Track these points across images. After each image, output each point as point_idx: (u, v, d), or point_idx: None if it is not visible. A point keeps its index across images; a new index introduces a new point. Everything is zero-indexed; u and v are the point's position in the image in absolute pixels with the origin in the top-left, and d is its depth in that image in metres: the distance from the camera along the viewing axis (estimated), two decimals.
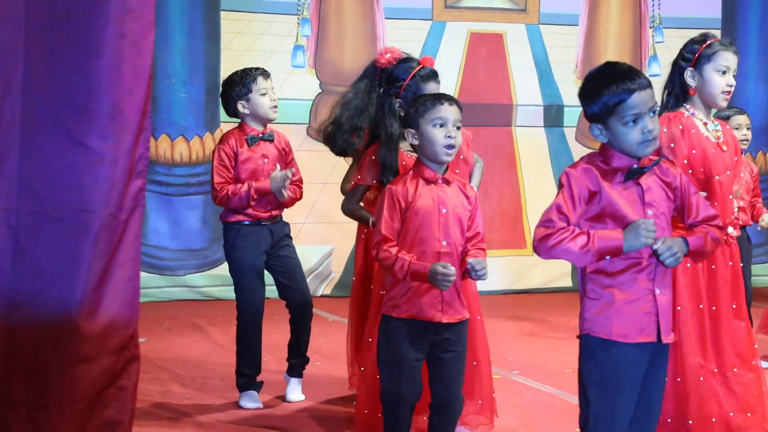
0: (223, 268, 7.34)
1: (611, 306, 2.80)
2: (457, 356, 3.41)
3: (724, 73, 3.62)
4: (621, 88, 2.79)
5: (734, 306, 3.64)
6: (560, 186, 2.85)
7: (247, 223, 4.52)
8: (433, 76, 4.01)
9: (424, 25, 7.69)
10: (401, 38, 7.49)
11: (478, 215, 3.45)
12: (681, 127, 3.59)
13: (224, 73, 7.22)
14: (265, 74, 4.57)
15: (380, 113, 4.02)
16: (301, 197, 4.68)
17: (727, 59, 3.63)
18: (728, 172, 3.61)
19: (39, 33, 2.50)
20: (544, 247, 2.79)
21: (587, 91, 2.88)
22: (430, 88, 3.95)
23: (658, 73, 7.99)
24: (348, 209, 4.16)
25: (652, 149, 2.83)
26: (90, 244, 2.59)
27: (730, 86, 3.63)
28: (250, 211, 4.50)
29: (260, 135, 4.55)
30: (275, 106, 4.56)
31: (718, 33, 8.25)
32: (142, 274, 7.10)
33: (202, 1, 7.24)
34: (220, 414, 4.48)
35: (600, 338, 2.82)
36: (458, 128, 3.39)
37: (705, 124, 3.64)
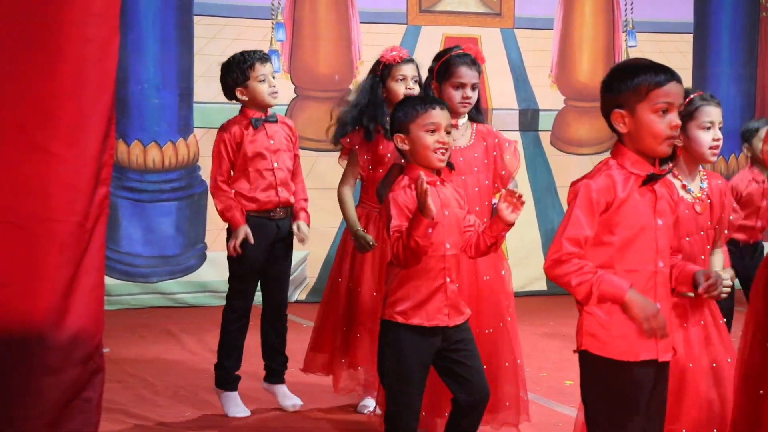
0: (198, 275, 7.36)
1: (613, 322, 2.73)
2: (473, 354, 3.38)
3: (709, 128, 3.50)
4: (662, 74, 2.74)
5: (714, 365, 3.50)
6: (577, 197, 2.76)
7: (254, 214, 4.47)
8: (467, 60, 3.92)
9: (399, 29, 7.68)
10: (376, 42, 7.47)
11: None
12: None
13: (197, 78, 7.24)
14: (263, 59, 4.48)
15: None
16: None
17: (710, 113, 3.50)
18: (702, 233, 3.52)
19: (4, 37, 2.45)
20: (552, 274, 2.75)
21: (625, 75, 2.78)
22: (462, 71, 3.89)
23: None
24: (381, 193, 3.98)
25: (671, 150, 2.77)
26: (55, 253, 2.55)
27: (717, 140, 3.50)
28: (257, 198, 4.45)
29: (264, 117, 4.50)
30: (275, 92, 4.50)
31: (690, 37, 8.31)
32: (115, 282, 7.08)
33: (175, 6, 7.20)
34: (193, 422, 4.45)
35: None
36: (449, 133, 3.36)
37: (684, 186, 3.53)
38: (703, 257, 3.53)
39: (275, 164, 4.48)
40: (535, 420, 4.32)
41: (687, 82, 8.31)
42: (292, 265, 7.38)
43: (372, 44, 7.47)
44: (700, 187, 3.58)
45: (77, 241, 2.53)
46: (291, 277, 7.46)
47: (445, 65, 3.90)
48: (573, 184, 2.81)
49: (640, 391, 2.75)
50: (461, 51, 3.98)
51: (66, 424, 2.51)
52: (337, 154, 4.65)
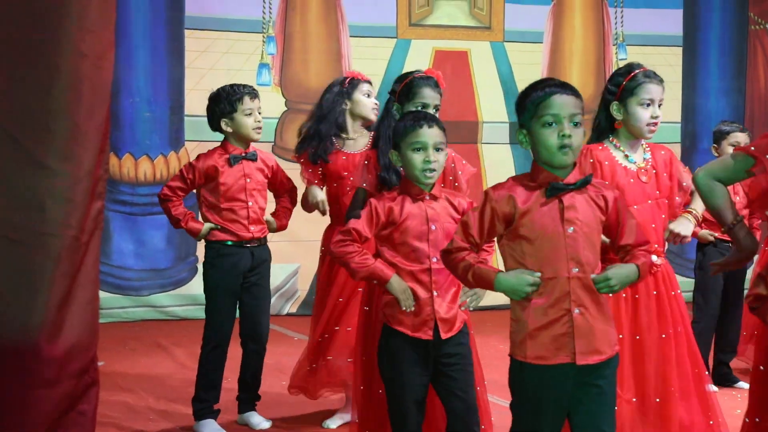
0: (189, 288, 7.35)
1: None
2: (464, 368, 3.39)
3: (648, 105, 3.61)
4: (546, 87, 2.85)
5: (663, 336, 3.61)
6: (480, 203, 2.89)
7: (230, 243, 4.47)
8: (429, 82, 3.94)
9: (389, 43, 7.71)
10: (366, 56, 7.51)
11: None
12: (592, 160, 3.63)
13: (188, 92, 7.26)
14: (252, 94, 4.51)
15: (381, 118, 4.04)
16: (283, 224, 4.77)
17: (651, 91, 3.61)
18: (649, 201, 3.62)
19: None
20: (444, 263, 2.98)
21: (520, 97, 2.93)
22: (426, 93, 3.89)
23: None
24: (348, 216, 3.94)
25: (570, 158, 2.82)
26: (52, 266, 2.56)
27: (655, 118, 3.63)
28: (234, 230, 4.46)
29: (243, 154, 4.51)
30: (259, 127, 4.52)
31: (679, 50, 8.36)
32: (106, 295, 7.06)
33: (166, 19, 7.21)
34: None
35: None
36: (439, 150, 3.37)
37: (626, 156, 3.65)
38: (654, 225, 3.63)
39: (249, 203, 4.50)
40: None
41: (676, 94, 8.40)
42: (283, 278, 7.45)
43: (362, 58, 7.50)
44: (644, 158, 3.68)
45: (73, 255, 2.54)
46: (282, 290, 7.52)
47: (408, 87, 3.93)
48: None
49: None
50: (423, 73, 4.03)
51: None
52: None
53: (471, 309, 3.55)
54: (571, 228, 2.82)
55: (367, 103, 4.63)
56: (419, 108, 3.79)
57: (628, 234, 2.93)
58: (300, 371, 4.67)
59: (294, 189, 4.75)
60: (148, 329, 6.94)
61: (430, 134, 3.36)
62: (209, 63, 7.24)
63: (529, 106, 2.85)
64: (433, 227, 3.36)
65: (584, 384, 2.84)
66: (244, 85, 4.54)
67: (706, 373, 3.79)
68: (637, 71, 3.65)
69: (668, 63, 8.28)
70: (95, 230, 2.57)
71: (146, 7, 7.13)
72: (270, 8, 7.43)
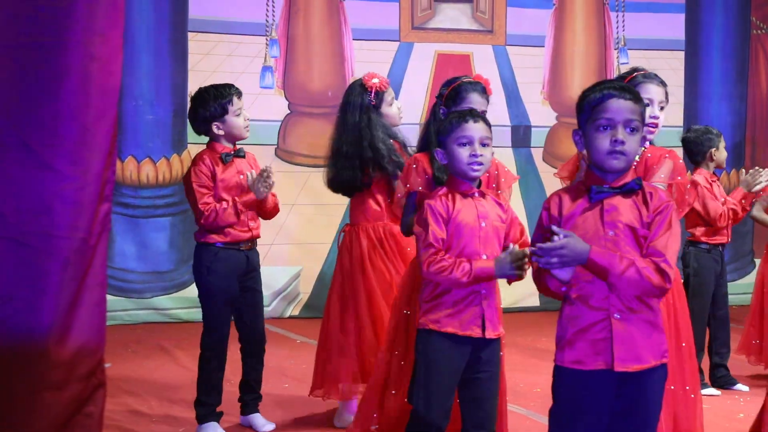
0: (191, 290, 7.32)
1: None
2: (492, 377, 3.38)
3: (647, 105, 3.55)
4: (604, 90, 2.80)
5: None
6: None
7: (223, 245, 4.43)
8: (477, 87, 3.93)
9: (392, 46, 7.72)
10: (369, 59, 7.52)
11: (516, 220, 3.49)
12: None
13: (191, 94, 7.23)
14: (239, 93, 4.49)
15: (428, 121, 4.01)
16: (277, 208, 4.65)
17: (649, 91, 3.59)
18: None
19: (7, 56, 2.47)
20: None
21: (579, 97, 2.88)
22: (473, 98, 3.88)
23: None
24: (407, 222, 3.89)
25: (621, 164, 2.78)
26: (60, 269, 2.56)
27: (654, 118, 3.60)
28: (230, 231, 4.43)
29: (233, 152, 4.51)
30: (248, 126, 4.52)
31: (681, 55, 8.38)
32: (109, 297, 7.04)
33: (169, 22, 7.22)
34: None
35: None
36: (485, 145, 3.38)
37: None
38: None
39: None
40: None
41: (678, 98, 8.41)
42: (285, 281, 7.46)
43: (365, 61, 7.51)
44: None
45: (82, 258, 2.55)
46: (284, 293, 7.52)
47: (456, 91, 3.93)
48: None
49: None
50: (472, 79, 4.02)
51: None
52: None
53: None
54: (612, 231, 2.77)
55: (392, 112, 4.64)
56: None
57: (653, 243, 2.78)
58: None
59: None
60: (151, 332, 6.94)
61: (476, 128, 3.37)
62: (212, 66, 7.25)
63: (585, 107, 2.81)
64: (483, 224, 3.35)
65: (623, 396, 2.76)
66: (229, 86, 4.51)
67: (703, 384, 3.71)
68: (637, 73, 3.65)
69: (670, 67, 8.29)
70: (103, 233, 2.58)
71: (149, 10, 7.14)
72: (273, 11, 7.44)
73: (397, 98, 4.85)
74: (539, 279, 2.84)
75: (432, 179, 3.74)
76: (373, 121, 4.54)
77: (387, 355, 3.85)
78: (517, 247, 3.31)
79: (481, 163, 3.36)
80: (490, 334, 3.34)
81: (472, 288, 3.31)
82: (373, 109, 4.57)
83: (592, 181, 2.82)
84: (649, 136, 3.63)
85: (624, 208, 2.79)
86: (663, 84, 3.68)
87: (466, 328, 3.32)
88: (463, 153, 3.35)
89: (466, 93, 3.87)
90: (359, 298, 4.50)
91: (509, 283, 3.35)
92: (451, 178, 3.44)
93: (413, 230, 3.47)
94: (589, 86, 2.88)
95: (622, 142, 2.74)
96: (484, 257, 3.31)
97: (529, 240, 3.07)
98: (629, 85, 2.93)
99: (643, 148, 3.67)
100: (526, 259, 3.21)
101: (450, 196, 3.37)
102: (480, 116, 3.44)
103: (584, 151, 2.88)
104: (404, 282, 3.92)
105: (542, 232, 2.83)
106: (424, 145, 3.91)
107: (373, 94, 4.58)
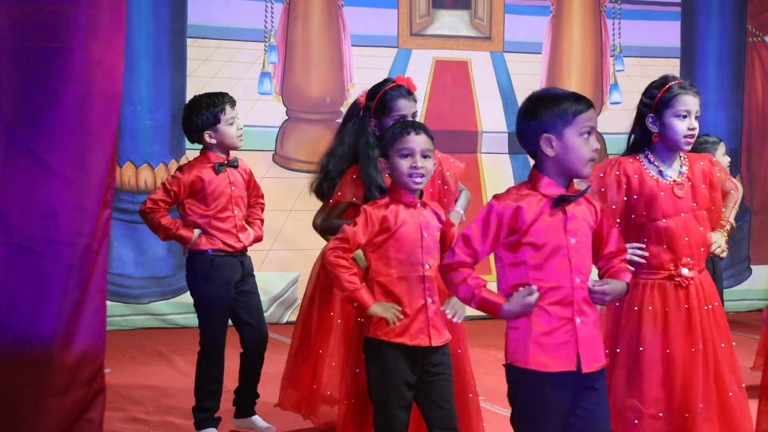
0: (189, 296, 7.30)
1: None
2: (446, 378, 3.44)
3: (684, 117, 3.55)
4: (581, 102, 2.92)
5: (693, 350, 3.56)
6: (481, 214, 2.89)
7: (220, 253, 4.45)
8: (402, 92, 3.94)
9: (390, 52, 7.74)
10: (367, 65, 7.54)
11: (454, 233, 3.51)
12: (618, 172, 3.59)
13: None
14: (232, 102, 4.49)
15: (358, 135, 4.02)
16: (260, 235, 4.65)
17: (686, 102, 3.55)
18: (683, 215, 3.58)
19: (13, 63, 2.48)
20: (442, 275, 2.96)
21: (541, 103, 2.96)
22: (400, 105, 3.91)
23: (618, 100, 8.09)
24: (326, 225, 4.04)
25: (589, 170, 2.90)
26: (65, 275, 2.57)
27: (692, 129, 3.57)
28: (223, 239, 4.44)
29: (225, 162, 4.52)
30: (241, 135, 4.53)
31: (677, 62, 8.40)
32: (107, 303, 7.05)
33: (168, 28, 7.23)
34: None
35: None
36: (426, 157, 3.41)
37: (660, 171, 3.61)
38: (687, 238, 3.58)
39: (236, 211, 4.49)
40: None
41: None
42: (282, 287, 7.46)
43: (363, 67, 7.53)
44: (679, 172, 3.63)
45: (86, 264, 2.56)
46: (281, 298, 7.53)
47: (382, 102, 3.93)
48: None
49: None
50: (394, 83, 3.99)
51: None
52: None
53: (456, 321, 3.57)
54: (573, 239, 2.86)
55: None
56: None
57: (612, 242, 2.99)
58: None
59: (262, 197, 4.72)
60: (149, 337, 6.94)
61: (417, 141, 3.40)
62: (211, 72, 7.26)
63: (567, 113, 2.89)
64: (425, 234, 3.40)
65: (584, 388, 2.87)
66: (222, 94, 4.51)
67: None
68: (672, 83, 3.59)
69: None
70: (104, 238, 2.59)
71: (148, 16, 7.15)
72: (272, 17, 7.46)
73: None
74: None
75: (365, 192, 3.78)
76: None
77: (353, 368, 3.82)
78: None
79: (422, 175, 3.40)
80: (436, 342, 3.40)
81: (422, 297, 3.38)
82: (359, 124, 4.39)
83: (552, 189, 2.88)
84: (685, 148, 3.60)
85: (580, 216, 2.91)
86: (698, 93, 3.63)
87: (415, 338, 3.38)
88: (404, 164, 3.39)
89: (392, 101, 3.91)
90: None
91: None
92: (393, 188, 3.47)
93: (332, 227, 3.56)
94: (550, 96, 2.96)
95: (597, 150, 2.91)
96: (427, 267, 3.37)
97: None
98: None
99: (681, 156, 3.67)
100: (396, 317, 3.37)
101: (392, 207, 3.41)
102: (422, 127, 3.46)
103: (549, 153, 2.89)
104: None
105: (485, 237, 2.86)
106: (357, 159, 3.93)
107: (362, 111, 4.37)
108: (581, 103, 2.90)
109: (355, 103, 4.31)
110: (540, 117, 2.90)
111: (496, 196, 2.93)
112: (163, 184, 4.47)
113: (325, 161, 4.27)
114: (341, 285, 3.38)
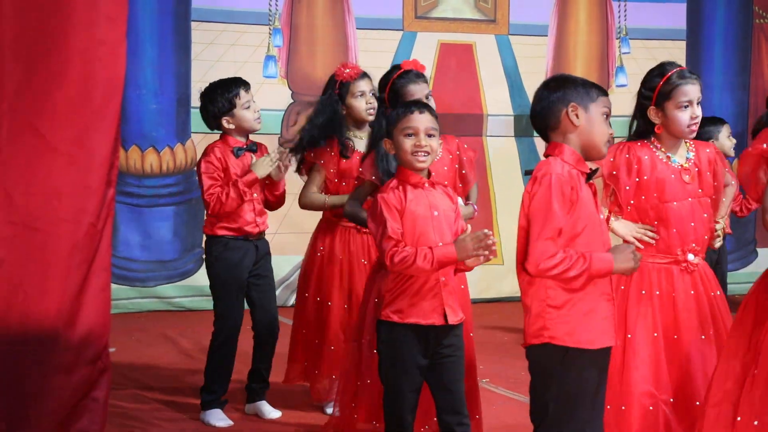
0: (195, 279, 7.36)
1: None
2: (458, 360, 3.45)
3: (686, 107, 3.53)
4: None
5: (703, 337, 3.55)
6: (551, 192, 2.86)
7: (234, 237, 4.47)
8: (411, 77, 3.98)
9: (395, 35, 7.72)
10: (372, 48, 7.53)
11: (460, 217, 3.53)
12: (628, 155, 3.60)
13: (195, 84, 7.25)
14: (246, 86, 4.52)
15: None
16: (284, 197, 4.69)
17: (688, 92, 3.52)
18: (689, 199, 3.58)
19: (17, 44, 2.49)
20: (547, 274, 2.93)
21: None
22: (411, 90, 3.93)
23: (624, 83, 8.06)
24: (351, 211, 4.04)
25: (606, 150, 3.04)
26: (69, 253, 2.58)
27: (695, 118, 3.54)
28: (239, 225, 4.45)
29: (245, 146, 4.53)
30: (259, 118, 4.55)
31: (683, 44, 8.37)
32: (113, 286, 7.05)
33: (173, 11, 7.22)
34: (191, 426, 4.47)
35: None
36: (431, 136, 3.41)
37: (669, 156, 3.60)
38: (693, 224, 3.59)
39: (255, 194, 4.50)
40: (530, 426, 4.34)
41: None
42: (288, 270, 7.47)
43: (368, 50, 7.52)
44: (686, 158, 3.63)
45: (90, 242, 2.57)
46: (287, 282, 7.54)
47: (393, 91, 3.97)
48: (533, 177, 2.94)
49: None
50: (401, 70, 4.03)
51: (75, 423, 2.54)
52: None
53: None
54: (602, 215, 3.01)
55: (360, 105, 4.48)
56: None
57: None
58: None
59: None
60: (155, 320, 6.96)
61: (421, 119, 3.41)
62: (216, 55, 7.26)
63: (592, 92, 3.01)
64: (436, 213, 3.40)
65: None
66: (235, 79, 4.55)
67: None
68: (671, 72, 3.55)
69: (672, 57, 8.20)
70: (108, 217, 2.60)
71: (153, 0, 7.15)
72: (276, 0, 7.45)
73: None
74: None
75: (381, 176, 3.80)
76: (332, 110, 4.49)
77: (356, 343, 3.85)
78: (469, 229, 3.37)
79: (426, 153, 3.39)
80: (452, 320, 3.39)
81: (432, 276, 3.36)
82: (335, 96, 4.45)
83: (583, 164, 2.96)
84: (690, 136, 3.59)
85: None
86: (698, 79, 3.60)
87: (428, 317, 3.37)
88: (408, 143, 3.39)
89: (403, 89, 3.98)
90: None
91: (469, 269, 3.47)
92: (401, 170, 3.46)
93: (367, 224, 3.51)
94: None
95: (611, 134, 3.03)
96: (440, 245, 3.34)
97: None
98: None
99: (687, 143, 3.66)
100: (489, 240, 3.25)
101: (401, 187, 3.40)
102: (426, 107, 3.47)
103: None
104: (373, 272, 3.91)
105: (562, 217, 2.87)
106: (374, 145, 3.94)
107: (338, 84, 4.48)
108: (601, 89, 3.03)
109: (332, 77, 4.45)
110: (566, 90, 2.97)
111: (545, 171, 2.91)
112: (204, 174, 4.42)
113: (300, 132, 4.48)
114: (425, 271, 3.30)
